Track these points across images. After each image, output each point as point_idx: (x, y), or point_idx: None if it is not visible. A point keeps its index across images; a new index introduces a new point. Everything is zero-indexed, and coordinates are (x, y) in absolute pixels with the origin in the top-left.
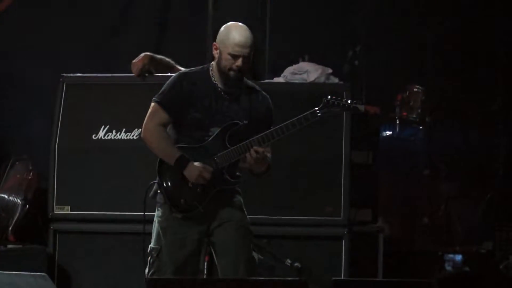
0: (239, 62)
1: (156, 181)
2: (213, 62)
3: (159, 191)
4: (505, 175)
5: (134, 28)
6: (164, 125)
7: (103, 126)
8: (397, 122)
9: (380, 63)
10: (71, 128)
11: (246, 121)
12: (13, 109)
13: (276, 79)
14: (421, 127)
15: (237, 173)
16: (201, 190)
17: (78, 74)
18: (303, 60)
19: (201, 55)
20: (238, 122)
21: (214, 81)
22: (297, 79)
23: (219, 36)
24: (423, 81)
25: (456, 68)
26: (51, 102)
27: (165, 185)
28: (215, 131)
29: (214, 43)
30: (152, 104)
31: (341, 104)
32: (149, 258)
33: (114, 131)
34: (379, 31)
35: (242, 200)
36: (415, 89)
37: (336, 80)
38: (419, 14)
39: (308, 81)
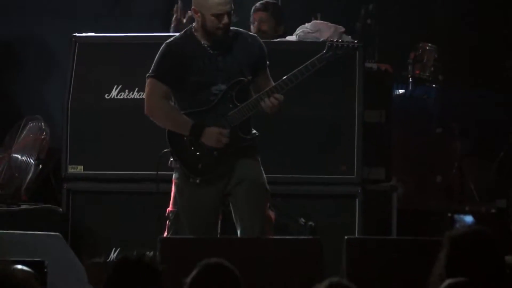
0: (225, 19)
1: (169, 150)
2: (194, 24)
3: (172, 159)
4: None
5: None
6: (166, 97)
7: (115, 86)
8: (410, 80)
9: (393, 21)
10: (84, 88)
11: (250, 76)
12: (25, 69)
13: (288, 38)
14: (434, 85)
15: (251, 130)
16: (217, 152)
17: (90, 34)
18: (316, 19)
19: None
20: (244, 79)
21: (200, 41)
22: (309, 37)
23: (196, 1)
24: (437, 38)
25: (470, 26)
26: (63, 62)
27: (179, 153)
28: (219, 89)
29: (193, 7)
30: (148, 80)
31: (344, 45)
32: (167, 222)
33: (126, 91)
34: None
35: (259, 157)
36: (428, 47)
37: (348, 39)
38: None
39: (321, 39)
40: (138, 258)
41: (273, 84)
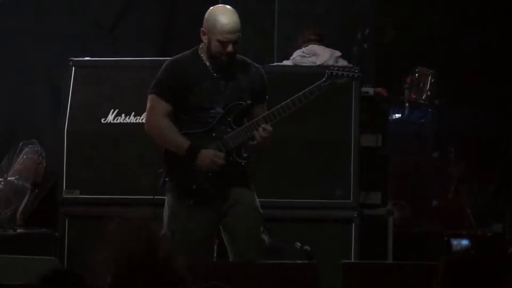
0: (229, 48)
1: (164, 170)
2: (201, 44)
3: (167, 179)
4: None
5: (142, 11)
6: (167, 115)
7: (112, 110)
8: (406, 104)
9: (389, 45)
10: (80, 112)
11: (250, 101)
12: (22, 93)
13: (285, 62)
14: (430, 110)
15: (245, 153)
16: (212, 174)
17: (87, 58)
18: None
19: None
20: (242, 103)
21: (205, 63)
22: (306, 62)
23: (207, 22)
24: (433, 63)
25: (467, 49)
26: (60, 86)
27: (174, 173)
28: (218, 112)
29: (202, 29)
30: (150, 96)
31: (344, 74)
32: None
33: (123, 115)
34: (388, 13)
35: (251, 181)
36: (425, 72)
37: (345, 63)
38: None
39: (317, 64)
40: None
41: (270, 110)
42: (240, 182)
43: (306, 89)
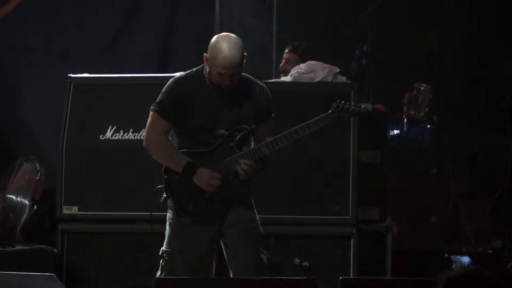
0: (227, 81)
1: (163, 186)
2: (205, 64)
3: (165, 195)
4: None
5: (141, 29)
6: (166, 133)
7: (110, 127)
8: (405, 121)
9: (387, 62)
10: (79, 129)
11: (254, 126)
12: (21, 109)
13: (283, 78)
14: (429, 126)
15: None
16: (209, 195)
17: (85, 75)
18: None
19: None
20: (246, 127)
21: (208, 84)
22: (304, 78)
23: (209, 50)
24: (431, 79)
25: (464, 66)
26: (59, 103)
27: (172, 190)
28: (221, 134)
29: (205, 54)
30: (151, 113)
31: (351, 109)
32: (161, 261)
33: (121, 131)
34: (386, 29)
35: (252, 200)
36: (423, 88)
37: (343, 79)
38: (425, 12)
39: (316, 80)
40: None
41: (273, 137)
42: (239, 202)
43: (311, 120)
